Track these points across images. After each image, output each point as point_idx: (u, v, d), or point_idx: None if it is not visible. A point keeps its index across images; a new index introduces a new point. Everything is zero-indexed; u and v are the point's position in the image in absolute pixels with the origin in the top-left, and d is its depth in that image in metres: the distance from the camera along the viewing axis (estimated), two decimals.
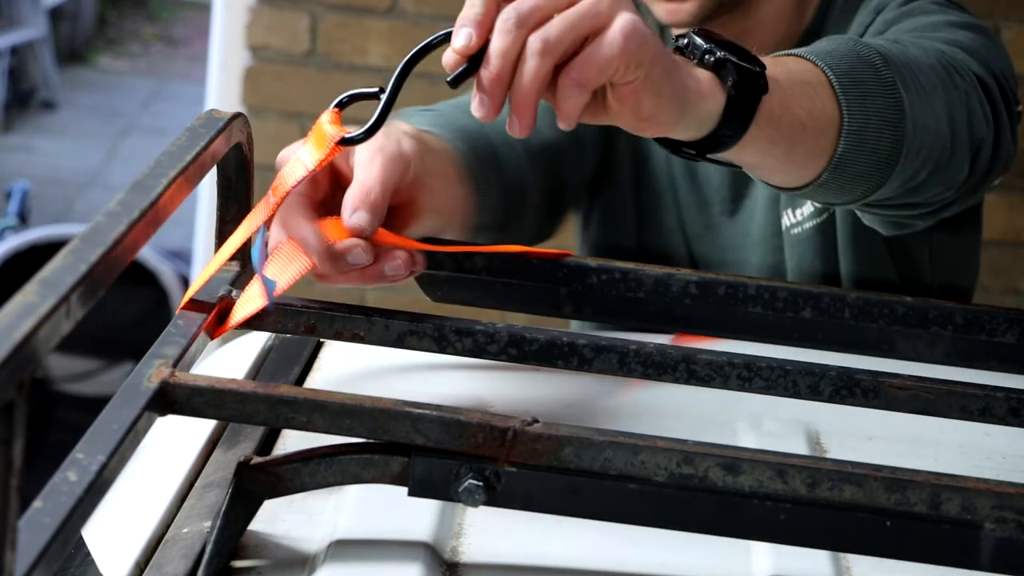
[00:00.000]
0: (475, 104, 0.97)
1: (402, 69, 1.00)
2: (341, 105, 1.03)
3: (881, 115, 1.13)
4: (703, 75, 1.02)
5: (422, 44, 1.00)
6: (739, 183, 1.54)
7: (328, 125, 1.02)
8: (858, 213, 1.40)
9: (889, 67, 1.15)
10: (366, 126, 1.01)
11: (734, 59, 1.01)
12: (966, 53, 1.31)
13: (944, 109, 1.21)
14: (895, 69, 1.16)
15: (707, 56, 1.01)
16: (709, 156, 1.05)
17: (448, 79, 0.97)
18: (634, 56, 0.95)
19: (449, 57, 0.98)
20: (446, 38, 0.99)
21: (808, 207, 1.50)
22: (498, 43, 0.96)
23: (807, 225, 1.50)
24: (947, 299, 1.44)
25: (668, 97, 0.98)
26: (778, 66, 1.08)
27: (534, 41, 0.95)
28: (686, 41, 1.03)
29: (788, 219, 1.51)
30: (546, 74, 0.95)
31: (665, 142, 1.06)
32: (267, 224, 1.05)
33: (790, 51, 1.14)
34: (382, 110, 1.01)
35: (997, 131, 1.31)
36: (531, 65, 0.95)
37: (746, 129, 1.03)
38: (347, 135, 1.02)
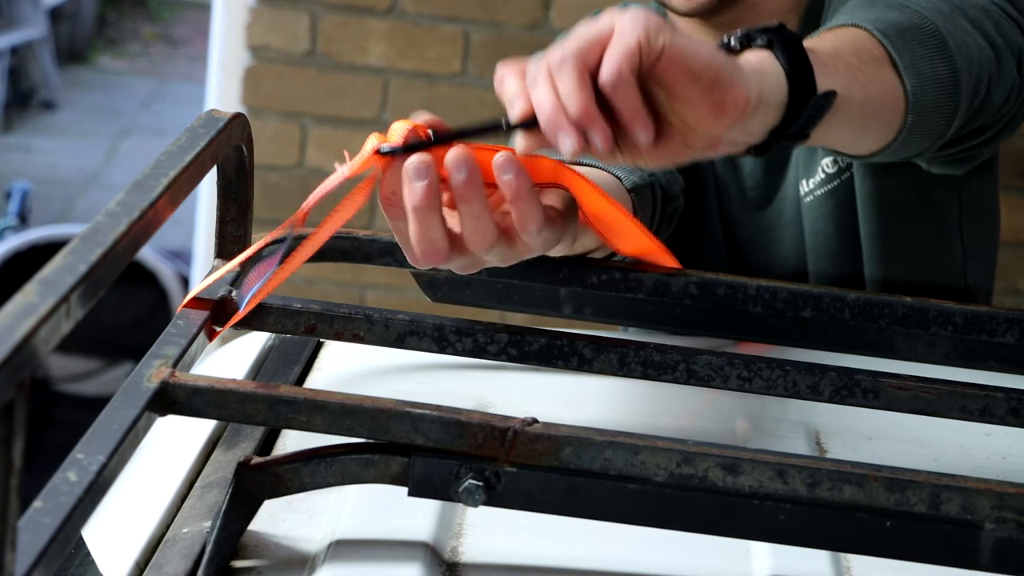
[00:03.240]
0: (563, 149, 0.97)
1: (457, 132, 1.00)
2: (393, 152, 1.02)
3: (925, 45, 1.18)
4: (754, 58, 1.03)
5: (481, 125, 1.00)
6: (772, 171, 1.55)
7: (374, 137, 1.02)
8: (928, 166, 1.43)
9: (921, 14, 1.20)
10: (409, 144, 1.00)
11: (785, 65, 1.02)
12: None
13: (971, 26, 1.26)
14: (923, 13, 1.21)
15: (757, 40, 1.03)
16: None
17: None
18: (645, 24, 0.95)
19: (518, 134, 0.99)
20: (500, 125, 0.99)
21: (819, 174, 1.50)
22: (535, 95, 0.96)
23: (819, 192, 1.50)
24: (977, 256, 1.45)
25: (714, 60, 0.98)
26: (824, 44, 1.11)
27: (555, 66, 0.96)
28: (733, 41, 1.04)
29: (803, 188, 1.52)
30: (577, 82, 0.95)
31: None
32: (295, 225, 1.04)
33: (828, 26, 1.18)
34: (430, 142, 1.01)
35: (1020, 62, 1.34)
36: (564, 85, 0.95)
37: (812, 125, 1.04)
38: (386, 146, 1.01)
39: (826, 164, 1.49)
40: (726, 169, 1.56)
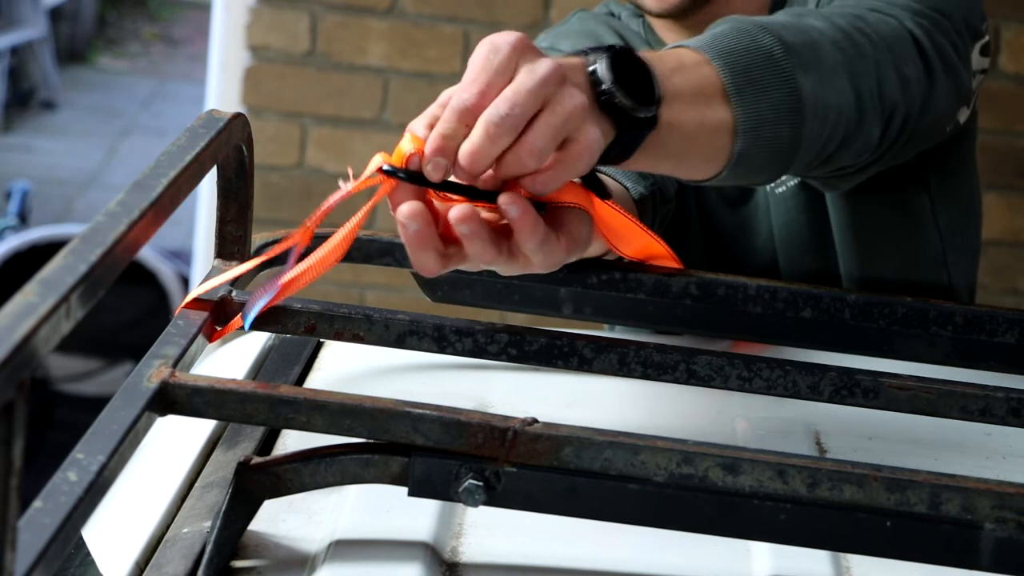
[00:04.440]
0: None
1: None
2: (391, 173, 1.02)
3: (777, 110, 1.14)
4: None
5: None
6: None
7: (379, 155, 1.02)
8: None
9: (789, 55, 1.15)
10: (409, 172, 1.00)
11: (621, 98, 1.02)
12: (900, 6, 1.32)
13: (848, 84, 1.21)
14: (795, 55, 1.16)
15: (601, 96, 1.02)
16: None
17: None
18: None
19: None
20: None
21: None
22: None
23: (790, 183, 1.50)
24: (957, 247, 1.44)
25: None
26: (673, 73, 1.08)
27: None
28: (592, 70, 1.03)
29: None
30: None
31: None
32: (300, 237, 1.04)
33: (688, 43, 1.14)
34: (423, 184, 1.01)
35: (930, 80, 1.32)
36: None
37: (630, 156, 1.05)
38: (391, 167, 1.01)
39: None
40: None
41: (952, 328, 1.20)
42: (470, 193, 1.00)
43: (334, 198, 1.01)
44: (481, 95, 0.98)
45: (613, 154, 1.03)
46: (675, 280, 1.20)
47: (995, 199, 3.18)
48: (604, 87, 1.01)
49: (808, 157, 1.19)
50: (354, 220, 1.01)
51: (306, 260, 1.03)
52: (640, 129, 1.03)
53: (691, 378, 1.11)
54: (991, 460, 1.19)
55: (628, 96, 1.02)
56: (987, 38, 1.43)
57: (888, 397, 1.11)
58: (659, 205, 1.39)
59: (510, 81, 0.97)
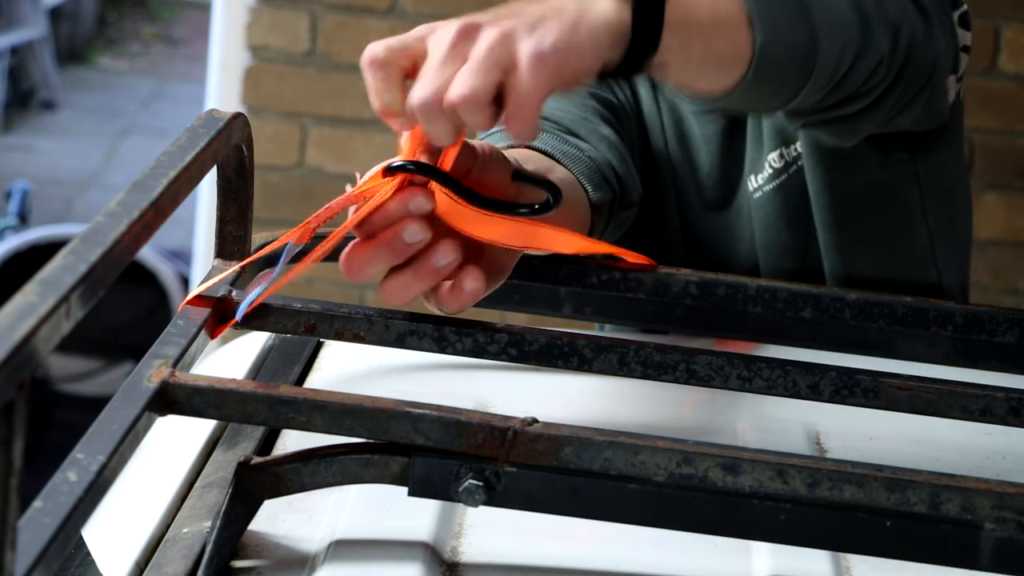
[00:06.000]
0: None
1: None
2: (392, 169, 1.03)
3: (788, 17, 1.15)
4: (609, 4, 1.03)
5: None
6: (729, 171, 1.55)
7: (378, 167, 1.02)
8: (810, 133, 1.42)
9: None
10: (419, 163, 1.01)
11: None
12: None
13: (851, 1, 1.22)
14: None
15: None
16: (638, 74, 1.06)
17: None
18: (557, 67, 0.98)
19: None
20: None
21: (766, 170, 1.50)
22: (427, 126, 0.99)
23: (767, 188, 1.51)
24: (946, 240, 1.44)
25: (589, 50, 1.00)
26: None
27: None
28: None
29: (752, 184, 1.52)
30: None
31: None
32: (300, 235, 1.04)
33: None
34: (433, 176, 1.01)
35: (925, 18, 1.32)
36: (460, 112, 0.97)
37: (658, 41, 1.04)
38: (401, 161, 1.01)
39: (772, 159, 1.49)
40: (684, 170, 1.56)
41: (952, 328, 1.20)
42: (479, 200, 1.00)
43: (338, 202, 1.01)
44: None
45: (638, 52, 1.03)
46: (675, 280, 1.20)
47: (995, 199, 3.18)
48: None
49: (825, 73, 1.20)
50: (352, 219, 1.01)
51: (306, 258, 1.03)
52: (654, 24, 1.03)
53: (691, 378, 1.11)
54: (991, 460, 1.19)
55: None
56: (965, 8, 1.44)
57: (888, 397, 1.11)
58: (617, 210, 1.39)
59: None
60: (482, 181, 1.06)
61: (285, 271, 1.04)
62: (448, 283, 1.03)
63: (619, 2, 1.02)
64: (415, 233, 1.00)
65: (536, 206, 1.04)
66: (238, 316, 1.05)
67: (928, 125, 1.46)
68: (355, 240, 1.02)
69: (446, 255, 1.01)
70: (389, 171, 1.01)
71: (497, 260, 1.07)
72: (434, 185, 1.01)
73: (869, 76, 1.27)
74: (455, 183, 1.01)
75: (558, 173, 1.23)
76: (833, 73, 1.21)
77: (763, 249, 1.52)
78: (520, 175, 1.08)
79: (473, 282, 1.03)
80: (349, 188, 1.02)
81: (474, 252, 1.05)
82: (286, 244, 1.04)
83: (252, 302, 1.04)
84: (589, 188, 1.30)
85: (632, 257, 1.21)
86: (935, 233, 1.55)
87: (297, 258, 1.05)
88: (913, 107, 1.38)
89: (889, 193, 1.52)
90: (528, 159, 1.20)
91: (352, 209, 1.02)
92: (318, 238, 1.04)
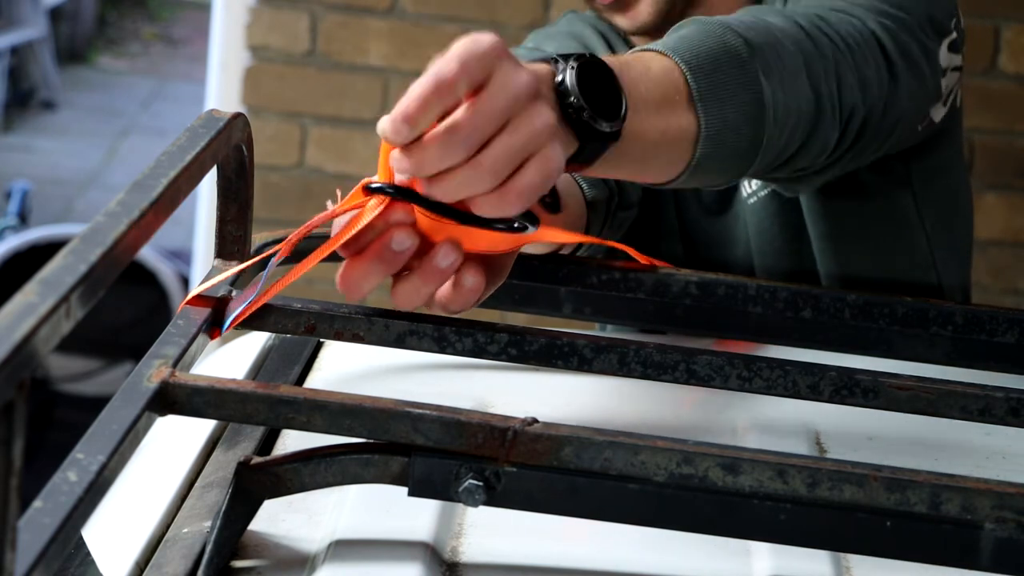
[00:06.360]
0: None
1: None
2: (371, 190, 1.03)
3: (741, 113, 1.13)
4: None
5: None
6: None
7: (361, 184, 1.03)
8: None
9: (754, 56, 1.15)
10: (397, 187, 1.00)
11: (586, 114, 1.00)
12: (863, 6, 1.32)
13: (807, 84, 1.21)
14: (759, 56, 1.15)
15: (567, 110, 1.00)
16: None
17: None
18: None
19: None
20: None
21: None
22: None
23: (761, 193, 1.51)
24: (944, 244, 1.44)
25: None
26: (640, 81, 1.07)
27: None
28: (560, 79, 1.02)
29: (747, 189, 1.52)
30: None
31: None
32: (283, 251, 1.05)
33: (655, 46, 1.13)
34: (411, 200, 1.01)
35: (893, 81, 1.32)
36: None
37: (591, 165, 1.04)
38: (378, 184, 1.01)
39: None
40: None
41: (952, 328, 1.20)
42: (458, 216, 1.00)
43: (318, 219, 1.02)
44: (448, 85, 0.94)
45: (574, 164, 1.02)
46: (675, 280, 1.20)
47: (995, 199, 3.18)
48: (571, 100, 0.99)
49: (767, 160, 1.19)
50: (335, 239, 1.02)
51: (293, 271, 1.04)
52: (603, 141, 1.02)
53: (691, 378, 1.11)
54: (991, 460, 1.19)
55: (594, 111, 1.00)
56: (955, 35, 1.43)
57: (888, 397, 1.11)
58: (616, 210, 1.39)
59: (482, 85, 0.94)
60: None
61: (268, 285, 1.04)
62: (448, 283, 1.03)
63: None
64: (402, 241, 1.00)
65: (515, 224, 1.03)
66: (223, 330, 1.05)
67: (905, 146, 1.46)
68: (347, 260, 1.02)
69: (447, 256, 1.01)
70: (368, 190, 1.01)
71: (496, 259, 1.07)
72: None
73: (813, 160, 1.27)
74: (433, 203, 1.00)
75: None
76: (774, 160, 1.21)
77: (758, 253, 1.53)
78: None
79: (472, 277, 1.02)
80: (330, 205, 1.03)
81: (469, 256, 1.05)
82: (269, 257, 1.05)
83: (235, 318, 1.04)
84: (584, 186, 1.30)
85: (635, 255, 1.21)
86: (933, 237, 1.55)
87: (298, 258, 1.05)
88: (874, 155, 1.38)
89: (882, 199, 1.52)
90: None
91: (337, 222, 1.02)
92: (316, 240, 1.04)
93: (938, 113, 1.43)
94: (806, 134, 1.22)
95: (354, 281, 1.01)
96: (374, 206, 1.00)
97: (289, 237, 1.04)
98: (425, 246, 1.02)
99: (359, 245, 1.01)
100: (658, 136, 1.08)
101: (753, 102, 1.14)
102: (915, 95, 1.35)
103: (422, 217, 1.01)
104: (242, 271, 1.10)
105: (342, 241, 1.00)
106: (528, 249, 1.17)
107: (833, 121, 1.25)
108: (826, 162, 1.30)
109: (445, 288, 1.03)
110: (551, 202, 1.08)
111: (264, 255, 1.08)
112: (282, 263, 1.07)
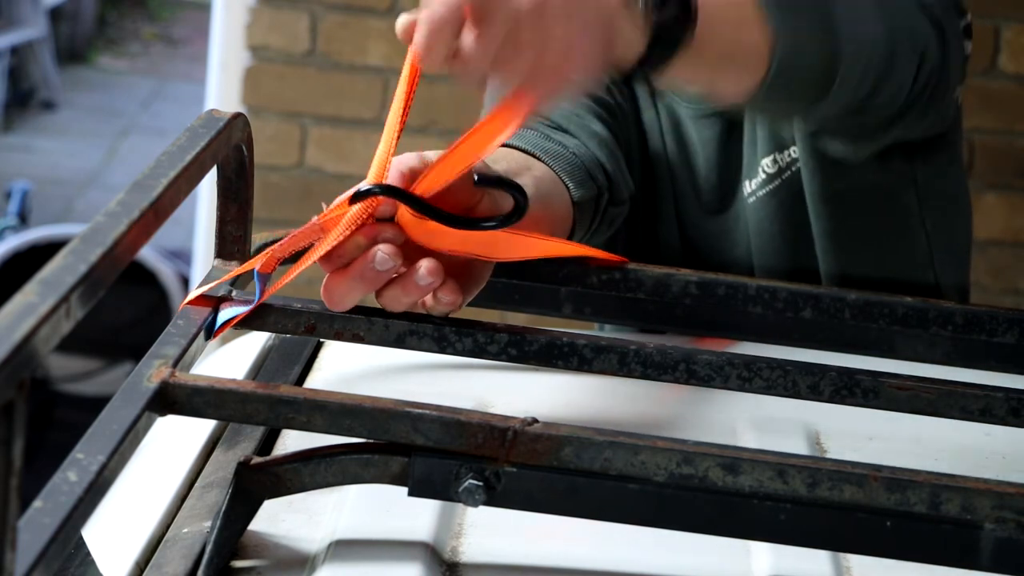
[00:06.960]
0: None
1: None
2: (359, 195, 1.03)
3: (811, 34, 1.16)
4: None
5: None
6: (726, 175, 1.55)
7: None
8: (821, 142, 1.43)
9: None
10: (385, 187, 1.01)
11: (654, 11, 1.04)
12: None
13: (881, 19, 1.23)
14: None
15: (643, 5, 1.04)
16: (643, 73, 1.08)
17: None
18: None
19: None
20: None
21: (760, 175, 1.51)
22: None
23: (761, 193, 1.51)
24: (944, 247, 1.44)
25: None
26: None
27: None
28: None
29: (747, 188, 1.52)
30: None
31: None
32: (266, 264, 1.05)
33: None
34: (399, 198, 1.02)
35: (943, 43, 1.33)
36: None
37: (665, 65, 1.07)
38: (368, 186, 1.02)
39: (766, 164, 1.49)
40: (682, 174, 1.56)
41: (952, 328, 1.20)
42: (446, 218, 1.01)
43: (304, 230, 1.03)
44: None
45: (651, 64, 1.05)
46: (675, 280, 1.20)
47: (995, 199, 3.18)
48: None
49: (843, 97, 1.21)
50: (330, 241, 1.02)
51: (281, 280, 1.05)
52: (675, 35, 1.05)
53: (691, 378, 1.11)
54: (991, 460, 1.19)
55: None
56: (968, 19, 1.45)
57: (888, 397, 1.11)
58: (607, 207, 1.39)
59: None
60: (447, 188, 1.06)
61: (256, 293, 1.05)
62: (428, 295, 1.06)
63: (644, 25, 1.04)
64: (385, 261, 1.02)
65: (501, 218, 1.04)
66: (208, 337, 1.05)
67: (932, 132, 1.47)
68: (329, 274, 1.04)
69: (425, 278, 1.03)
70: (356, 197, 1.02)
71: (474, 271, 1.09)
72: (398, 202, 1.03)
73: (890, 101, 1.28)
74: (421, 203, 1.01)
75: (536, 171, 1.24)
76: (851, 96, 1.22)
77: (758, 253, 1.53)
78: (484, 179, 1.08)
79: (448, 296, 1.05)
80: (315, 218, 1.03)
81: (450, 265, 1.06)
82: (252, 270, 1.05)
83: (221, 327, 1.05)
84: (571, 185, 1.30)
85: (602, 256, 1.21)
86: (933, 238, 1.55)
87: (294, 259, 1.06)
88: (931, 122, 1.39)
89: (887, 199, 1.52)
90: (503, 158, 1.21)
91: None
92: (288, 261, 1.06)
93: (959, 95, 1.44)
94: (881, 71, 1.24)
95: (337, 295, 1.04)
96: (356, 214, 1.01)
97: (273, 250, 1.05)
98: (409, 249, 1.03)
99: (343, 258, 1.02)
100: (731, 47, 1.11)
101: (823, 22, 1.17)
102: (955, 66, 1.37)
103: (403, 216, 1.02)
104: (242, 271, 1.10)
105: (318, 255, 1.01)
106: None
107: (911, 55, 1.27)
108: (895, 112, 1.31)
109: (426, 299, 1.06)
110: (517, 202, 1.08)
111: (258, 258, 1.09)
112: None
